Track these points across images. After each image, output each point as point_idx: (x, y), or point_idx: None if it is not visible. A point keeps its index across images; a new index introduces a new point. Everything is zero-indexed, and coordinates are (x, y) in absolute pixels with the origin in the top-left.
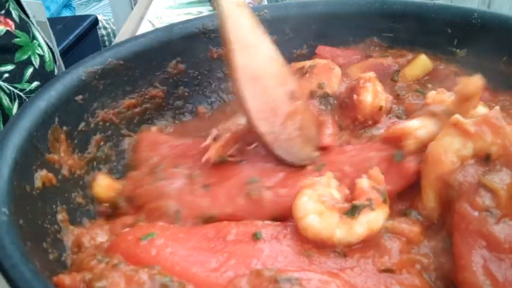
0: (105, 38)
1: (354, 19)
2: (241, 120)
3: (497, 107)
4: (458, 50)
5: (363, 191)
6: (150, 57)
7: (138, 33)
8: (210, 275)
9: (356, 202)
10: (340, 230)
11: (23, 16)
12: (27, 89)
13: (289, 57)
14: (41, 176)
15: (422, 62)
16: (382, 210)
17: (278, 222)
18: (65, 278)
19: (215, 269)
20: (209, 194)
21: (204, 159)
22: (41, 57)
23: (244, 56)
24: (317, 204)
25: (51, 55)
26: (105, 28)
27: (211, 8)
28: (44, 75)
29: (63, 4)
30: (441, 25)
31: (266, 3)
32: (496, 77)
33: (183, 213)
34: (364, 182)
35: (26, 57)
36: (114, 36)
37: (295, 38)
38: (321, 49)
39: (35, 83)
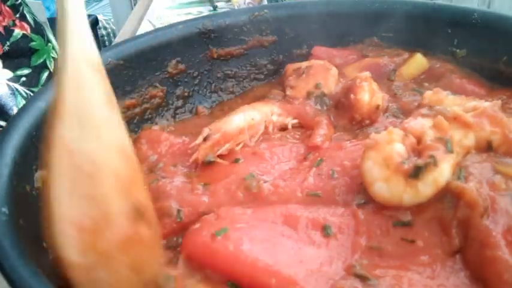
0: (105, 38)
1: (354, 19)
2: (235, 121)
3: (498, 101)
4: (458, 50)
5: (426, 144)
6: (150, 57)
7: (138, 33)
8: (295, 271)
9: (419, 162)
10: (408, 195)
11: (38, 19)
12: (42, 87)
13: (289, 57)
14: (41, 176)
15: (418, 61)
16: (447, 162)
17: (342, 210)
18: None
19: (299, 263)
20: (208, 191)
21: (192, 159)
22: (55, 60)
23: (76, 135)
24: (382, 170)
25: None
26: (105, 28)
27: (211, 8)
28: None
29: None
30: (441, 25)
31: (266, 3)
32: (495, 77)
33: (184, 212)
34: (428, 134)
35: (41, 60)
36: (114, 36)
37: (295, 38)
38: (317, 49)
39: None
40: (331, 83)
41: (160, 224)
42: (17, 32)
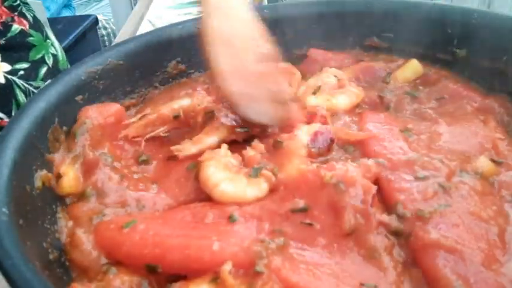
0: (105, 38)
1: (353, 19)
2: (175, 104)
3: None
4: (458, 50)
5: (251, 160)
6: (150, 57)
7: (138, 33)
8: (196, 241)
9: (256, 166)
10: (251, 189)
11: (37, 17)
12: (42, 87)
13: (290, 57)
14: (40, 176)
15: (413, 66)
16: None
17: (251, 205)
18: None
19: (201, 237)
20: (162, 188)
21: (121, 134)
22: (54, 56)
23: (220, 18)
24: (225, 172)
25: (64, 55)
26: (105, 28)
27: None
28: (57, 74)
29: (63, 4)
30: (441, 25)
31: (266, 3)
32: (495, 77)
33: (146, 208)
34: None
35: (40, 56)
36: (114, 36)
37: (295, 38)
38: (313, 52)
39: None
40: (295, 86)
41: None
42: (15, 27)
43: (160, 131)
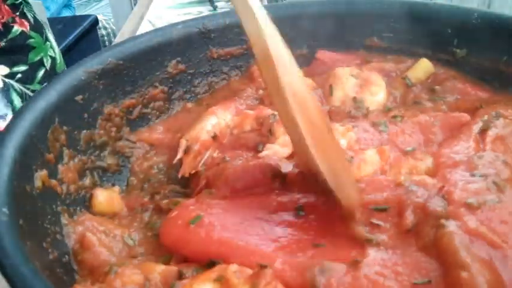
0: (105, 38)
1: (354, 19)
2: (207, 126)
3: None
4: (458, 50)
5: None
6: (150, 57)
7: (138, 33)
8: (261, 243)
9: None
10: None
11: (38, 18)
12: (42, 87)
13: None
14: (41, 176)
15: (424, 65)
16: None
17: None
18: None
19: (266, 238)
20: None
21: (180, 174)
22: (53, 59)
23: (287, 76)
24: None
25: (61, 57)
26: (105, 28)
27: (211, 8)
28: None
29: (63, 4)
30: (441, 25)
31: (266, 3)
32: (495, 77)
33: None
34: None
35: (38, 58)
36: (114, 36)
37: (295, 38)
38: (321, 53)
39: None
40: None
41: None
42: (16, 29)
43: (209, 155)
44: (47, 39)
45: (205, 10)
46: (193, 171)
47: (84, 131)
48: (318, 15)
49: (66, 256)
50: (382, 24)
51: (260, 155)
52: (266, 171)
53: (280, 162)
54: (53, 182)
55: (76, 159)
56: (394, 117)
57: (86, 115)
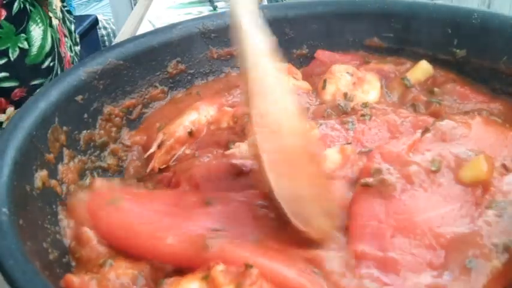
0: (105, 38)
1: (354, 19)
2: (185, 122)
3: None
4: (458, 50)
5: None
6: (150, 57)
7: (138, 33)
8: (161, 234)
9: None
10: None
11: (30, 7)
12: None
13: (289, 57)
14: (41, 176)
15: (423, 67)
16: None
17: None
18: (74, 279)
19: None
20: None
21: (148, 169)
22: (23, 50)
23: (263, 106)
24: None
25: (45, 51)
26: (105, 28)
27: (211, 8)
28: (20, 68)
29: None
30: (441, 25)
31: (266, 3)
32: (496, 77)
33: None
34: None
35: (2, 48)
36: (114, 36)
37: (295, 38)
38: (321, 53)
39: (2, 74)
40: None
41: None
42: None
43: (183, 151)
44: (24, 31)
45: (205, 10)
46: (163, 166)
47: (84, 131)
48: (318, 15)
49: (66, 256)
50: (382, 24)
51: (226, 152)
52: (229, 169)
53: (243, 161)
54: (53, 182)
55: (76, 160)
56: (363, 115)
57: (86, 115)
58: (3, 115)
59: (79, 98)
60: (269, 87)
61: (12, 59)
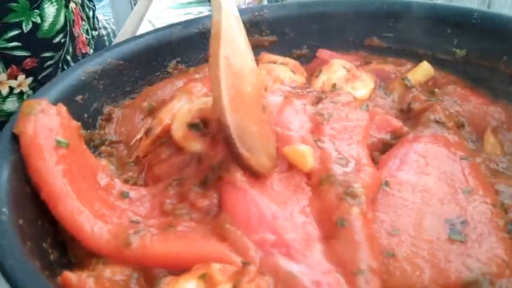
0: (105, 38)
1: (354, 19)
2: (174, 109)
3: None
4: (458, 50)
5: None
6: (150, 57)
7: (138, 33)
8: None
9: None
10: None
11: None
12: (2, 46)
13: (289, 57)
14: None
15: (424, 68)
16: None
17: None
18: (71, 276)
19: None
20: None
21: (133, 157)
22: (36, 24)
23: (229, 52)
24: None
25: (57, 26)
26: (105, 28)
27: (211, 8)
28: (31, 40)
29: None
30: (441, 25)
31: (266, 3)
32: (496, 77)
33: None
34: None
35: (16, 20)
36: (114, 36)
37: (295, 38)
38: (322, 52)
39: (14, 43)
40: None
41: None
42: None
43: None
44: (38, 7)
45: (205, 10)
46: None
47: (84, 131)
48: (318, 15)
49: (66, 256)
50: (382, 24)
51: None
52: (192, 156)
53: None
54: None
55: None
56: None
57: (86, 115)
58: (15, 81)
59: (79, 98)
60: (233, 35)
61: (25, 31)
